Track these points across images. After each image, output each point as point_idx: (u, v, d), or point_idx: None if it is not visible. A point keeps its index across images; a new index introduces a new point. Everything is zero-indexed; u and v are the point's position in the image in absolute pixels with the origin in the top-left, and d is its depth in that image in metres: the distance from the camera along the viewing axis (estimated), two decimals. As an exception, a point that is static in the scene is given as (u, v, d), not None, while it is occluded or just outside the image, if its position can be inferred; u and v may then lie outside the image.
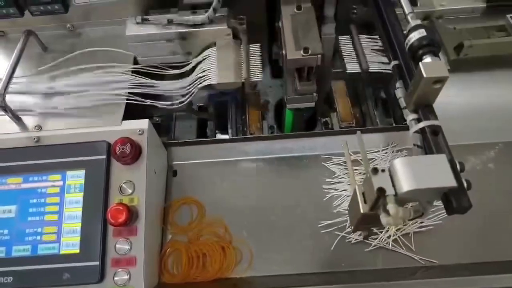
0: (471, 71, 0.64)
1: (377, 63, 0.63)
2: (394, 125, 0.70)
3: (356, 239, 0.58)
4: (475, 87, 0.64)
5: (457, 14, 0.68)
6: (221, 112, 0.75)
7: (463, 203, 0.35)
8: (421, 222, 0.59)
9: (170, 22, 0.59)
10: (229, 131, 0.72)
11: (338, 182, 0.63)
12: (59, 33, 0.71)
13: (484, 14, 0.69)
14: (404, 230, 0.58)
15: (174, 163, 0.67)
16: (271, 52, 0.80)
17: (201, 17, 0.58)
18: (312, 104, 0.64)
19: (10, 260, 0.52)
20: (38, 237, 0.53)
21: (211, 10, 0.56)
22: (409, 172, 0.35)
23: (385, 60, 0.61)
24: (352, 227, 0.44)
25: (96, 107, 0.60)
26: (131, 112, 0.61)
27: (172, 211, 0.62)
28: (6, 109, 0.57)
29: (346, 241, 0.58)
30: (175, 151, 0.67)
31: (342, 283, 0.53)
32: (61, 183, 0.55)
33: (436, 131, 0.39)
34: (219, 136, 0.73)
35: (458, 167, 0.36)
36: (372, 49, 0.63)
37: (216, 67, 0.60)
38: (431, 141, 0.39)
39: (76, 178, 0.55)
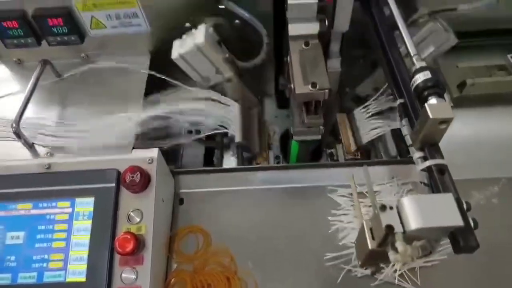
0: (473, 107, 0.66)
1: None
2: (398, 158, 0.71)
3: (362, 273, 0.58)
4: (477, 122, 0.66)
5: None
6: (227, 142, 0.77)
7: (470, 242, 0.35)
8: (427, 258, 0.59)
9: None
10: (236, 160, 0.73)
11: (344, 214, 0.64)
12: (73, 62, 0.74)
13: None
14: (410, 265, 0.58)
15: (181, 191, 0.68)
16: (278, 83, 0.82)
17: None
18: (319, 137, 0.65)
19: (15, 287, 0.52)
20: (45, 264, 0.53)
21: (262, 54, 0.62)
22: (417, 210, 0.35)
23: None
24: (359, 262, 0.44)
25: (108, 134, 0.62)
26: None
27: (178, 240, 0.62)
28: (20, 135, 0.58)
29: (352, 274, 0.58)
30: (182, 179, 0.68)
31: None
32: (70, 210, 0.55)
33: (442, 170, 0.40)
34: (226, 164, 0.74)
35: (464, 206, 0.37)
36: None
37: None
38: (438, 180, 0.39)
39: (85, 205, 0.55)
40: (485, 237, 0.58)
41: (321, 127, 0.62)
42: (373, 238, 0.40)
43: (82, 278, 0.52)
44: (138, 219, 0.55)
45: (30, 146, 0.60)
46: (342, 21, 0.56)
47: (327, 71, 0.55)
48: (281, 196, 0.67)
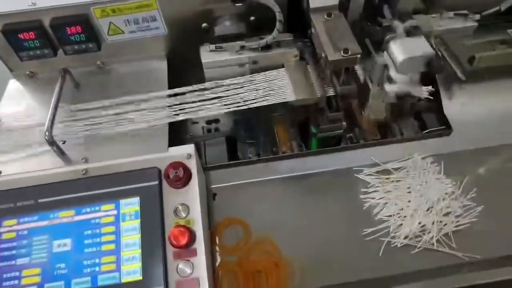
0: (484, 81, 0.71)
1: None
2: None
3: (401, 243, 0.61)
4: (487, 95, 0.71)
5: (452, 33, 0.76)
6: (249, 136, 0.78)
7: (440, 63, 0.54)
8: (458, 222, 0.62)
9: (242, 47, 0.65)
10: (260, 152, 0.75)
11: (374, 191, 0.67)
12: (88, 70, 0.74)
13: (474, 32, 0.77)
14: (443, 229, 0.61)
15: (212, 186, 0.69)
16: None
17: (268, 38, 0.63)
18: (341, 132, 0.68)
19: (71, 293, 0.51)
20: (97, 268, 0.52)
21: (275, 31, 0.62)
22: (403, 48, 0.54)
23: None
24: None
25: (139, 136, 0.62)
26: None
27: (218, 233, 0.63)
28: (52, 143, 0.58)
29: (392, 246, 0.61)
30: (212, 175, 0.69)
31: (397, 285, 0.55)
32: (115, 212, 0.55)
33: (415, 27, 0.56)
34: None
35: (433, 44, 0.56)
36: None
37: (290, 85, 0.65)
38: (412, 32, 0.56)
39: (130, 206, 0.55)
40: (506, 198, 0.64)
41: (344, 123, 0.66)
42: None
43: (138, 277, 0.52)
44: (184, 214, 0.56)
45: (63, 154, 0.60)
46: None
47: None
48: (309, 182, 0.69)
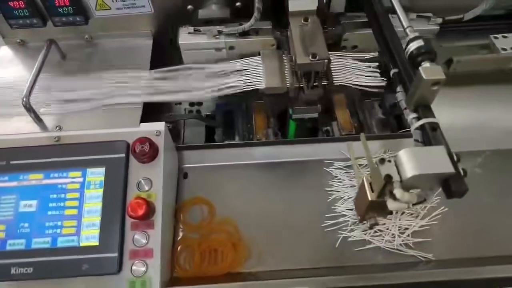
0: (459, 86, 0.71)
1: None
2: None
3: (358, 237, 0.62)
4: (463, 100, 0.71)
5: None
6: (228, 121, 0.80)
7: (461, 187, 0.39)
8: (417, 223, 0.63)
9: (220, 32, 0.65)
10: (236, 138, 0.76)
11: (340, 185, 0.68)
12: (77, 43, 0.76)
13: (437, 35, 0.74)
14: (402, 227, 0.62)
15: (185, 166, 0.70)
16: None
17: (246, 24, 0.64)
18: (316, 115, 0.69)
19: (30, 251, 0.54)
20: (58, 230, 0.55)
21: (253, 18, 0.62)
22: (412, 160, 0.39)
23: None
24: (359, 217, 0.48)
25: (114, 110, 0.64)
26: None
27: (184, 211, 0.65)
28: (30, 109, 0.60)
29: (349, 240, 0.62)
30: (186, 155, 0.71)
31: (348, 275, 0.56)
32: (81, 179, 0.57)
33: (434, 127, 0.44)
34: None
35: (455, 157, 0.41)
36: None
37: (263, 73, 0.66)
38: (431, 136, 0.43)
39: (96, 175, 0.58)
40: (471, 204, 0.64)
41: (319, 105, 0.66)
42: (372, 190, 0.44)
43: (95, 242, 0.54)
44: (147, 187, 0.58)
45: (39, 121, 0.62)
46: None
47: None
48: (280, 170, 0.70)
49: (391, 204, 0.41)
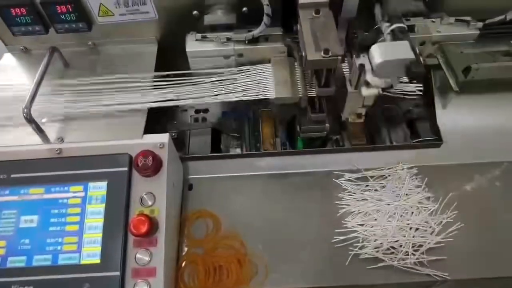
0: (478, 93, 0.67)
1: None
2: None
3: (370, 255, 0.59)
4: (482, 107, 0.67)
5: (452, 40, 0.69)
6: (235, 129, 0.77)
7: (419, 69, 0.49)
8: (432, 240, 0.60)
9: (228, 39, 0.63)
10: (243, 147, 0.74)
11: (350, 198, 0.65)
12: (80, 50, 0.74)
13: (476, 40, 0.70)
14: (416, 245, 0.59)
15: (189, 177, 0.69)
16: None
17: (255, 31, 0.62)
18: (324, 134, 0.66)
19: (30, 269, 0.52)
20: (59, 247, 0.53)
21: (262, 24, 0.60)
22: (381, 51, 0.50)
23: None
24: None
25: (117, 119, 0.62)
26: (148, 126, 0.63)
27: (188, 224, 0.63)
28: (31, 121, 0.59)
29: (361, 257, 0.59)
30: (191, 165, 0.69)
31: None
32: (82, 194, 0.56)
33: (402, 30, 0.54)
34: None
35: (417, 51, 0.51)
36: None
37: (273, 82, 0.63)
38: (398, 35, 0.54)
39: (98, 189, 0.56)
40: (488, 219, 0.61)
41: (327, 125, 0.64)
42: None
43: (97, 260, 0.52)
44: (150, 202, 0.56)
45: (41, 132, 0.60)
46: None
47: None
48: (288, 181, 0.68)
49: (365, 91, 0.54)
